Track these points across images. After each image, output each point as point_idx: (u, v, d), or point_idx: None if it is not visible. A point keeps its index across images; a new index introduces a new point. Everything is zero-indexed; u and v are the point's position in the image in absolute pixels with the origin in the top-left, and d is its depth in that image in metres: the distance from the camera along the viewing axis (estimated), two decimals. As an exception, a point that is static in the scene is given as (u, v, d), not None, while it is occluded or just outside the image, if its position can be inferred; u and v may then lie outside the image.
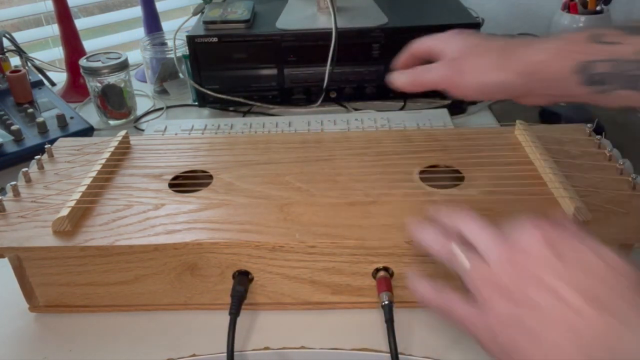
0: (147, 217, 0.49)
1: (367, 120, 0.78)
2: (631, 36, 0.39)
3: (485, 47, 0.47)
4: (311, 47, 0.84)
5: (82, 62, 0.84)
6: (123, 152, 0.60)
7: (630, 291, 0.28)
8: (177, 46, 0.90)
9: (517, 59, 0.44)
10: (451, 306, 0.36)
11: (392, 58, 0.84)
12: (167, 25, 1.08)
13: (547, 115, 0.81)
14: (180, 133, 0.77)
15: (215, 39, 0.83)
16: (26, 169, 0.56)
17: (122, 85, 0.86)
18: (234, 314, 0.45)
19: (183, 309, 0.51)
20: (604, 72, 0.40)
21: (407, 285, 0.39)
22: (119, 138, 0.61)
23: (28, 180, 0.55)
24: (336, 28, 0.81)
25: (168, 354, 0.47)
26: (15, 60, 0.97)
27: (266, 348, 0.47)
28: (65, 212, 0.48)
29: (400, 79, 0.51)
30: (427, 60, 0.51)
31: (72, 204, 0.49)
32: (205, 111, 0.90)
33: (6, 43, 0.94)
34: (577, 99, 0.43)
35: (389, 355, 0.43)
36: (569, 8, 0.90)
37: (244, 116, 0.87)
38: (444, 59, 0.49)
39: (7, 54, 0.92)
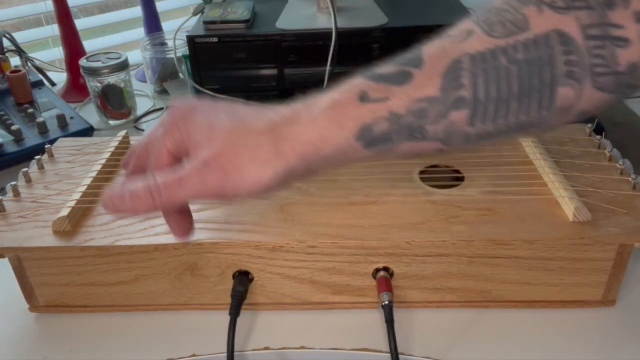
0: (147, 217, 0.49)
1: (367, 120, 0.78)
2: (395, 87, 0.36)
3: (249, 132, 0.37)
4: (311, 47, 0.84)
5: (82, 62, 0.84)
6: (123, 152, 0.60)
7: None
8: (177, 46, 0.90)
9: (293, 141, 0.36)
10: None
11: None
12: (167, 25, 1.08)
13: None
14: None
15: (215, 39, 0.83)
16: (26, 169, 0.56)
17: (122, 85, 0.86)
18: (234, 314, 0.45)
19: (183, 309, 0.51)
20: (385, 131, 0.36)
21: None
22: (119, 138, 0.61)
23: (28, 180, 0.55)
24: (336, 28, 0.81)
25: (168, 354, 0.47)
26: (15, 60, 0.97)
27: (266, 348, 0.47)
28: (65, 212, 0.48)
29: (126, 202, 0.37)
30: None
31: (72, 204, 0.49)
32: (205, 111, 0.90)
33: (6, 43, 0.94)
34: (361, 161, 0.39)
35: (389, 355, 0.43)
36: (568, 8, 0.90)
37: (244, 116, 0.87)
38: (192, 157, 0.37)
39: (7, 54, 0.92)
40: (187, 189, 0.36)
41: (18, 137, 0.75)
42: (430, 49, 0.37)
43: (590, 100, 0.35)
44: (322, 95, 0.38)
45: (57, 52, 1.09)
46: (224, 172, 0.36)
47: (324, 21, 0.85)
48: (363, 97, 0.37)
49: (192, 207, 0.50)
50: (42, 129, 0.77)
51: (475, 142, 0.37)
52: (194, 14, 0.92)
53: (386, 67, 0.38)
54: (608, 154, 0.55)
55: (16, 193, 0.53)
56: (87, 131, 0.79)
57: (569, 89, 0.34)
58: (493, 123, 0.36)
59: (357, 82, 0.38)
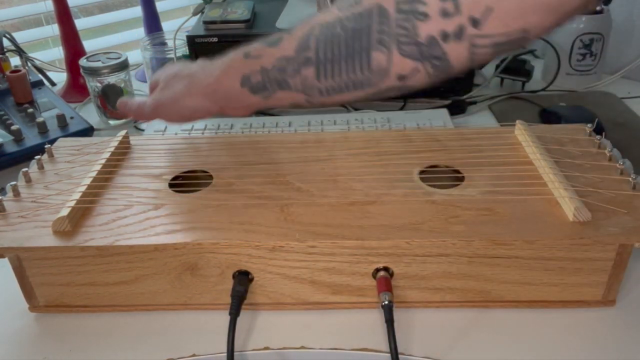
0: (147, 217, 0.49)
1: (367, 120, 0.78)
2: (267, 48, 0.48)
3: (179, 77, 0.55)
4: (311, 47, 0.84)
5: (82, 62, 0.84)
6: (123, 152, 0.60)
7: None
8: (177, 46, 0.90)
9: (198, 84, 0.53)
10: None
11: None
12: (167, 25, 1.08)
13: (547, 115, 0.81)
14: (180, 133, 0.77)
15: (215, 39, 0.83)
16: (26, 169, 0.56)
17: (122, 85, 0.86)
18: (234, 314, 0.45)
19: (183, 309, 0.51)
20: (259, 81, 0.48)
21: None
22: (119, 138, 0.61)
23: (28, 180, 0.55)
24: (336, 28, 0.81)
25: (168, 354, 0.47)
26: (15, 60, 0.97)
27: (266, 348, 0.47)
28: (65, 212, 0.48)
29: (127, 106, 0.60)
30: None
31: (72, 204, 0.49)
32: (205, 111, 0.90)
33: (6, 43, 0.94)
34: (256, 107, 0.52)
35: (389, 355, 0.43)
36: (568, 8, 0.90)
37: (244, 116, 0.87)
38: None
39: (7, 54, 0.92)
40: (145, 113, 0.58)
41: (18, 137, 0.75)
42: (304, 21, 0.47)
43: (402, 65, 0.42)
44: (231, 51, 0.52)
45: (57, 52, 1.09)
46: (160, 105, 0.56)
47: (324, 21, 0.85)
48: (246, 55, 0.50)
49: (191, 207, 0.50)
50: (42, 129, 0.77)
51: (330, 95, 0.46)
52: (194, 14, 0.92)
53: (278, 34, 0.48)
54: (608, 154, 0.55)
55: (16, 193, 0.53)
56: (87, 131, 0.79)
57: (380, 54, 0.42)
58: (333, 79, 0.45)
59: (252, 44, 0.50)
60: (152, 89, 0.59)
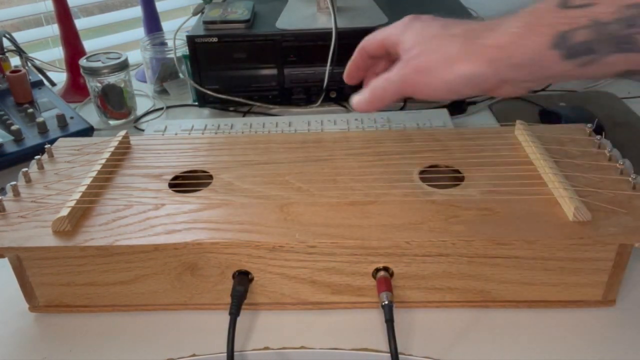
0: (147, 217, 0.49)
1: (367, 120, 0.78)
2: None
3: (445, 36, 0.41)
4: (311, 47, 0.84)
5: (82, 62, 0.84)
6: (123, 152, 0.60)
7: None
8: (177, 46, 0.90)
9: (482, 45, 0.39)
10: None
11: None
12: (167, 25, 1.08)
13: (547, 115, 0.81)
14: (180, 133, 0.77)
15: (215, 39, 0.83)
16: (26, 169, 0.56)
17: (122, 85, 0.86)
18: (234, 314, 0.45)
19: (183, 309, 0.51)
20: (586, 40, 0.34)
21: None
22: (119, 138, 0.61)
23: (28, 180, 0.55)
24: (336, 28, 0.81)
25: (168, 354, 0.47)
26: (15, 60, 0.97)
27: (266, 348, 0.47)
28: (65, 212, 0.48)
29: (360, 103, 0.46)
30: (382, 58, 0.48)
31: (72, 204, 0.49)
32: (205, 111, 0.90)
33: (6, 43, 0.94)
34: (563, 78, 0.38)
35: (389, 355, 0.43)
36: (569, 8, 0.90)
37: (244, 116, 0.87)
38: (401, 55, 0.43)
39: (7, 54, 0.92)
40: (391, 89, 0.43)
41: (18, 137, 0.75)
42: None
43: None
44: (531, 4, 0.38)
45: (57, 52, 1.09)
46: (417, 72, 0.41)
47: (324, 21, 0.85)
48: (563, 3, 0.35)
49: (191, 207, 0.50)
50: (42, 129, 0.77)
51: None
52: (194, 14, 0.92)
53: None
54: (608, 154, 0.55)
55: (16, 193, 0.53)
56: (87, 131, 0.79)
57: None
58: None
59: None
60: (375, 54, 0.47)
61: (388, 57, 0.48)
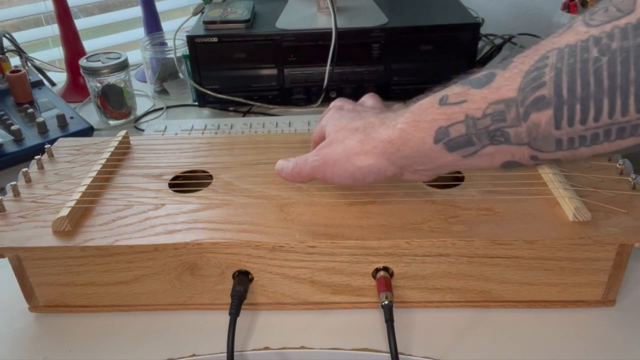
0: (147, 217, 0.49)
1: (367, 120, 0.78)
2: (474, 90, 0.36)
3: (350, 129, 0.45)
4: (311, 47, 0.84)
5: (82, 62, 0.84)
6: (123, 152, 0.60)
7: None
8: (177, 46, 0.90)
9: (375, 139, 0.42)
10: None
11: (392, 58, 0.85)
12: (167, 25, 1.08)
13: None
14: (180, 133, 0.77)
15: (215, 39, 0.83)
16: (26, 169, 0.56)
17: (122, 85, 0.86)
18: (234, 314, 0.45)
19: (183, 309, 0.51)
20: (463, 134, 0.37)
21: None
22: (119, 138, 0.61)
23: (28, 180, 0.55)
24: (336, 28, 0.81)
25: (168, 354, 0.47)
26: (15, 60, 0.97)
27: (266, 348, 0.47)
28: (65, 212, 0.48)
29: (281, 172, 0.49)
30: None
31: (72, 204, 0.49)
32: (205, 111, 0.90)
33: (6, 43, 0.94)
34: (455, 167, 0.41)
35: (389, 355, 0.43)
36: (568, 8, 0.90)
37: (244, 116, 0.87)
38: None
39: (7, 54, 0.92)
40: (304, 173, 0.47)
41: (18, 137, 0.75)
42: (526, 50, 0.35)
43: None
44: (421, 98, 0.40)
45: (57, 52, 1.09)
46: (325, 163, 0.45)
47: (324, 21, 0.85)
48: (442, 100, 0.38)
49: (191, 207, 0.50)
50: (42, 129, 0.77)
51: (571, 148, 0.33)
52: (194, 14, 0.92)
53: (480, 71, 0.37)
54: (608, 154, 0.55)
55: (16, 193, 0.53)
56: (87, 131, 0.79)
57: None
58: (583, 125, 0.32)
59: (449, 87, 0.39)
60: (317, 141, 0.50)
61: None
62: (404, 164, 0.42)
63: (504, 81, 0.34)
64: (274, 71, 0.86)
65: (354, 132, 0.44)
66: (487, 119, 0.35)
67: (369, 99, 0.51)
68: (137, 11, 1.08)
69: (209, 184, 0.54)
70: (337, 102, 0.51)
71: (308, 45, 0.84)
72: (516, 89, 0.34)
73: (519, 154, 0.36)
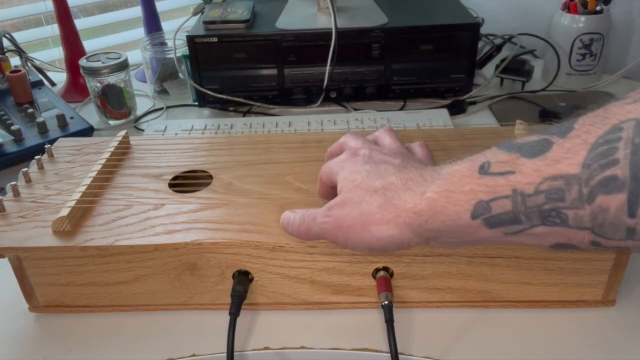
0: (147, 217, 0.49)
1: (367, 120, 0.78)
2: (524, 160, 0.30)
3: (367, 190, 0.38)
4: (311, 47, 0.84)
5: (82, 62, 0.84)
6: (123, 152, 0.60)
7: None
8: (177, 46, 0.90)
9: (399, 208, 0.36)
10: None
11: (392, 58, 0.85)
12: (167, 25, 1.08)
13: (547, 115, 0.81)
14: (180, 133, 0.77)
15: (215, 39, 0.83)
16: (26, 169, 0.56)
17: (122, 85, 0.86)
18: (234, 314, 0.45)
19: (183, 309, 0.51)
20: (507, 211, 0.30)
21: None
22: (119, 138, 0.61)
23: (28, 180, 0.55)
24: (336, 28, 0.81)
25: (168, 354, 0.47)
26: (15, 60, 0.97)
27: (266, 348, 0.47)
28: (65, 212, 0.48)
29: (287, 226, 0.44)
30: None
31: (72, 204, 0.49)
32: (205, 111, 0.90)
33: (6, 43, 0.94)
34: (494, 242, 0.34)
35: (389, 355, 0.43)
36: (569, 8, 0.90)
37: (244, 116, 0.87)
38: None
39: (7, 54, 0.92)
40: (312, 232, 0.42)
41: (18, 137, 0.75)
42: (589, 114, 0.30)
43: None
44: (454, 161, 0.35)
45: (57, 52, 1.09)
46: (337, 227, 0.39)
47: (324, 21, 0.85)
48: (483, 169, 0.32)
49: (191, 207, 0.50)
50: (42, 129, 0.77)
51: None
52: (194, 14, 0.92)
53: (527, 136, 0.31)
54: (608, 154, 0.55)
55: (16, 193, 0.53)
56: (87, 131, 0.79)
57: None
58: None
59: (488, 150, 0.33)
60: (325, 183, 0.45)
61: None
62: (432, 236, 0.36)
63: (563, 152, 0.28)
64: (274, 71, 0.86)
65: (372, 194, 0.38)
66: (540, 197, 0.29)
67: (385, 136, 0.46)
68: (137, 11, 1.08)
69: (209, 184, 0.54)
70: (350, 142, 0.45)
71: (308, 45, 0.84)
72: (580, 165, 0.28)
73: (577, 238, 0.29)
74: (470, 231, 0.33)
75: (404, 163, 0.40)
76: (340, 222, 0.39)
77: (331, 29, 0.81)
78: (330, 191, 0.46)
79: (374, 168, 0.40)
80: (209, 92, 0.86)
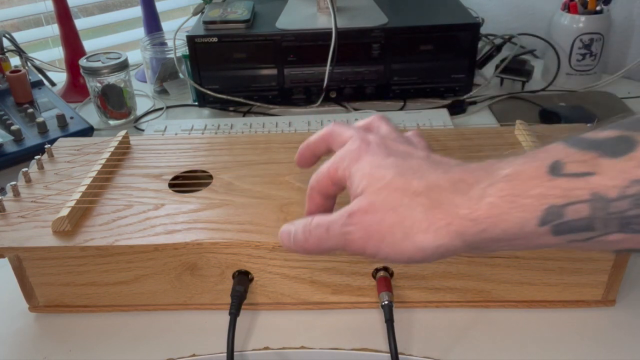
0: (147, 217, 0.49)
1: (367, 120, 0.78)
2: (606, 159, 0.27)
3: (406, 192, 0.32)
4: (311, 47, 0.84)
5: (82, 62, 0.84)
6: (123, 152, 0.60)
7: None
8: (177, 46, 0.90)
9: (450, 215, 0.30)
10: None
11: (392, 58, 0.85)
12: (167, 25, 1.08)
13: (547, 115, 0.81)
14: (180, 133, 0.77)
15: (215, 39, 0.83)
16: (26, 169, 0.56)
17: (122, 85, 0.86)
18: (234, 314, 0.45)
19: (183, 309, 0.51)
20: (583, 217, 0.27)
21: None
22: (119, 138, 0.61)
23: (28, 180, 0.55)
24: (336, 28, 0.81)
25: (168, 354, 0.47)
26: (15, 60, 0.97)
27: (266, 348, 0.47)
28: (65, 212, 0.48)
29: (292, 240, 0.36)
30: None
31: (72, 204, 0.49)
32: (205, 111, 0.90)
33: (6, 43, 0.94)
34: (545, 247, 0.30)
35: (389, 355, 0.43)
36: (569, 8, 0.90)
37: (244, 116, 0.87)
38: (350, 195, 0.34)
39: (7, 54, 0.92)
40: (329, 244, 0.34)
41: (18, 137, 0.75)
42: None
43: None
44: (508, 158, 0.30)
45: (57, 52, 1.09)
46: (368, 237, 0.32)
47: (324, 21, 0.85)
48: (555, 169, 0.28)
49: (191, 207, 0.50)
50: (42, 129, 0.77)
51: None
52: (194, 14, 0.92)
53: (600, 131, 0.28)
54: (608, 154, 0.55)
55: (16, 193, 0.53)
56: (87, 131, 0.79)
57: None
58: None
59: (553, 147, 0.29)
60: (323, 193, 0.38)
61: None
62: (483, 245, 0.30)
63: None
64: (273, 71, 0.86)
65: (413, 197, 0.31)
66: (624, 202, 0.26)
67: (380, 124, 0.39)
68: (137, 11, 1.08)
69: (209, 184, 0.54)
70: (345, 131, 0.37)
71: (308, 45, 0.84)
72: None
73: None
74: (533, 238, 0.29)
75: (431, 157, 0.35)
76: (371, 232, 0.32)
77: (331, 29, 0.81)
78: (328, 205, 0.39)
79: (401, 162, 0.33)
80: (209, 92, 0.86)
